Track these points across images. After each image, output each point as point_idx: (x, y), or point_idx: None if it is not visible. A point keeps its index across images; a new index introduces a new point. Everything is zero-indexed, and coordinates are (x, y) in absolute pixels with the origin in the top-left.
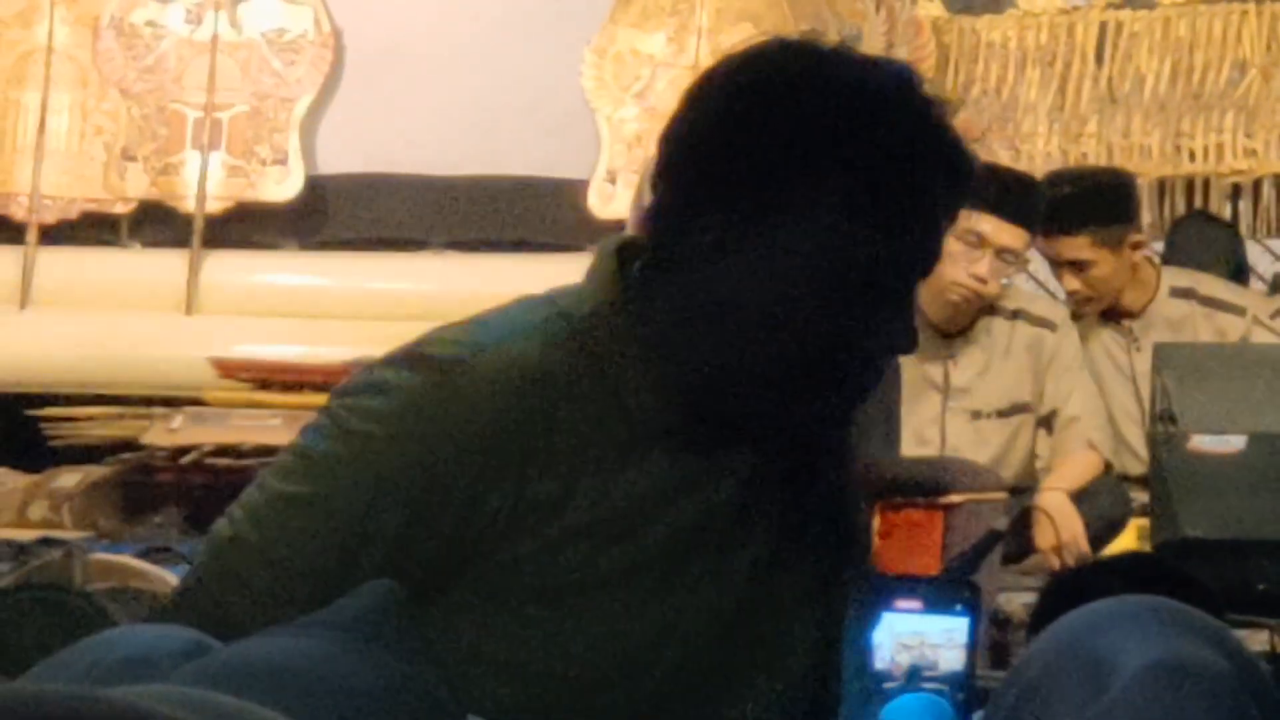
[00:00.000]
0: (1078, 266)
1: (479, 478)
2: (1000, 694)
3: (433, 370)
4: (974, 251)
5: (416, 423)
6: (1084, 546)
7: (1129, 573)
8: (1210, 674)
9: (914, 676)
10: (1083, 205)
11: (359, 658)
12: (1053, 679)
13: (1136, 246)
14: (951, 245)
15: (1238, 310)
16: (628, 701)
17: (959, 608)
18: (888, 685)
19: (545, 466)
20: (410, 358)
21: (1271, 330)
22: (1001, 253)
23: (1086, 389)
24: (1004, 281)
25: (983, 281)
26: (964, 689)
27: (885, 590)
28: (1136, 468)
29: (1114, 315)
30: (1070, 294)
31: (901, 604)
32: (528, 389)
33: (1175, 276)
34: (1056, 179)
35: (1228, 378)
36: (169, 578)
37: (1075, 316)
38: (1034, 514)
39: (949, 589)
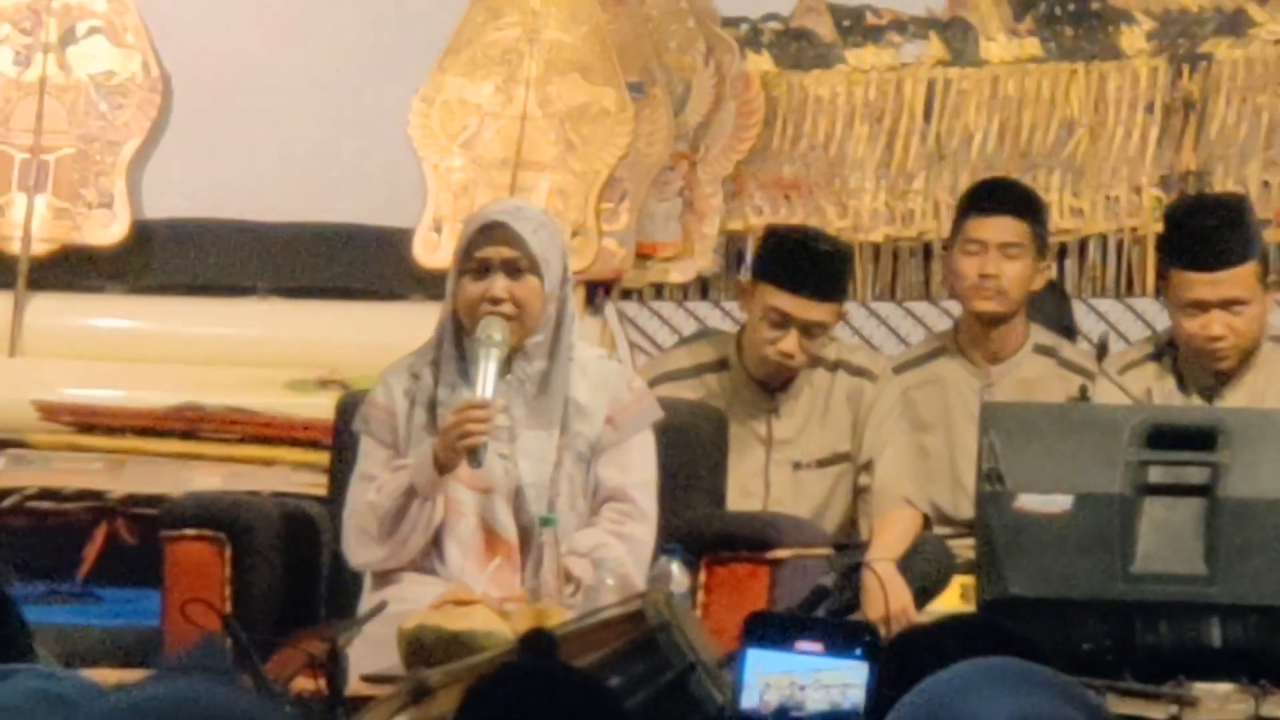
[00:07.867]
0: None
1: None
2: None
3: None
4: (777, 330)
5: None
6: (913, 617)
7: (965, 634)
8: None
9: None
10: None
11: (233, 692)
12: None
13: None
14: (755, 318)
15: (1089, 375)
16: None
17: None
18: None
19: None
20: None
21: (1119, 385)
22: (809, 328)
23: (900, 441)
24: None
25: (789, 356)
26: None
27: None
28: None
29: (974, 353)
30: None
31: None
32: None
33: (1040, 334)
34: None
35: (1054, 437)
36: None
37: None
38: (864, 578)
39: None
